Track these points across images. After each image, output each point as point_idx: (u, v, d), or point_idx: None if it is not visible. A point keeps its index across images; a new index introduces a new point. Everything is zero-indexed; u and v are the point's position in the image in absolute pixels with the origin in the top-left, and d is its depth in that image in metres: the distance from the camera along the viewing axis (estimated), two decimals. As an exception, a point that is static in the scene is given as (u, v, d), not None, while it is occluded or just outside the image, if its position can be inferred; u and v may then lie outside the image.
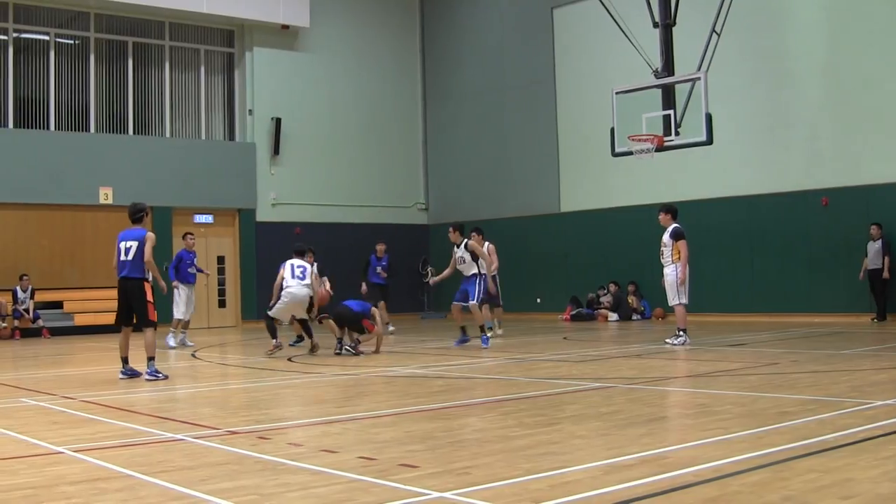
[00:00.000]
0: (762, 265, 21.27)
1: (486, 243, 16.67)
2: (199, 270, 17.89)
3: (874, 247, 18.94)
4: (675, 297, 14.23)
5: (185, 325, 17.32)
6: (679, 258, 14.15)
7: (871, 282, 19.01)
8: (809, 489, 4.65)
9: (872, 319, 18.87)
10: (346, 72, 27.86)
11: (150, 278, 11.28)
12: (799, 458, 5.40)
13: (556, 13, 25.63)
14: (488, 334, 15.23)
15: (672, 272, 14.21)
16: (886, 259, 18.72)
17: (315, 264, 16.00)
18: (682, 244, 14.18)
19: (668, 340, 14.36)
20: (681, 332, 14.25)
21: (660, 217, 14.67)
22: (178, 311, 17.06)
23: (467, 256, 15.25)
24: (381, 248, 19.90)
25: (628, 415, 7.36)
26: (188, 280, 17.27)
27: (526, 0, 26.34)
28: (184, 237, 17.89)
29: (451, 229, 15.62)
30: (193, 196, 25.07)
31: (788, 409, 7.36)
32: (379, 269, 19.62)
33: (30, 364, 14.98)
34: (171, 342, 16.95)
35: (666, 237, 14.37)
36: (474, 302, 15.05)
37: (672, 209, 14.64)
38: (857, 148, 19.88)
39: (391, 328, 19.25)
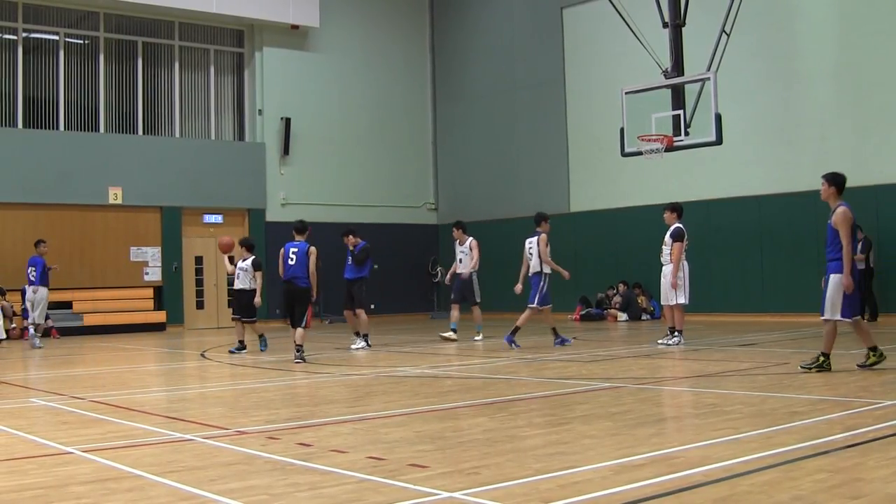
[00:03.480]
0: (772, 265, 21.20)
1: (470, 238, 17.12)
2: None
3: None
4: (674, 297, 14.15)
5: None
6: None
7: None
8: (819, 489, 4.64)
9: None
10: (355, 72, 27.87)
11: None
12: (808, 458, 5.40)
13: (565, 13, 25.59)
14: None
15: (671, 272, 14.14)
16: (862, 255, 18.69)
17: (252, 258, 16.09)
18: (677, 246, 14.05)
19: (660, 341, 14.30)
20: (675, 333, 14.18)
21: (665, 215, 14.58)
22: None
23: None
24: (348, 239, 15.90)
25: (638, 415, 7.36)
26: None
27: (535, 0, 26.33)
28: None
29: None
30: (203, 196, 25.10)
31: (798, 408, 7.35)
32: (350, 260, 15.78)
33: (39, 364, 15.01)
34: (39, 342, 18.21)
35: (667, 237, 14.32)
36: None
37: (678, 208, 14.57)
38: (867, 148, 19.80)
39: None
